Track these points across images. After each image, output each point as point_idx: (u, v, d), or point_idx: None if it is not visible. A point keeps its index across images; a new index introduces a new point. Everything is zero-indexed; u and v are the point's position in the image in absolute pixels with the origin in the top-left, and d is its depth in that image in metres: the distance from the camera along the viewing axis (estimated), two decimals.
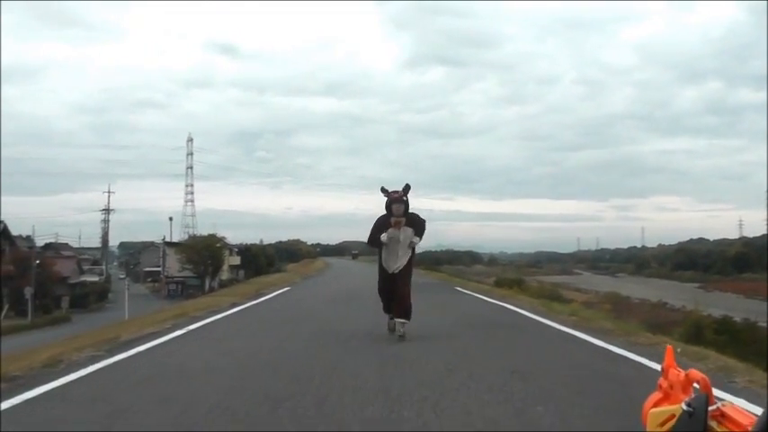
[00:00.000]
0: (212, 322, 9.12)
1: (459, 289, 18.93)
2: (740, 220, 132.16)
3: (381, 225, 7.39)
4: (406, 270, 7.48)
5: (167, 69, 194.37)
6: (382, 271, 7.56)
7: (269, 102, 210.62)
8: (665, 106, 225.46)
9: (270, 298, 14.28)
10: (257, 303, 12.67)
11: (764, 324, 33.35)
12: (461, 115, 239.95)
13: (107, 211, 68.29)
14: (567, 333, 7.84)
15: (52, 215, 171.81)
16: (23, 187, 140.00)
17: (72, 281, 49.40)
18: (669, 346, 1.91)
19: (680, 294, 57.18)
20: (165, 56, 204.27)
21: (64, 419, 3.84)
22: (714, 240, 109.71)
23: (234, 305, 11.84)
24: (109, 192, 69.51)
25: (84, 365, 5.64)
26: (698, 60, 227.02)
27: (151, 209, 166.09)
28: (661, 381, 1.89)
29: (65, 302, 43.87)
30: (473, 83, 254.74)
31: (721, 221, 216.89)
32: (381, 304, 7.82)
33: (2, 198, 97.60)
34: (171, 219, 71.14)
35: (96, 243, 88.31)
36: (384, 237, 7.30)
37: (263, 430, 3.58)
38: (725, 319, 30.58)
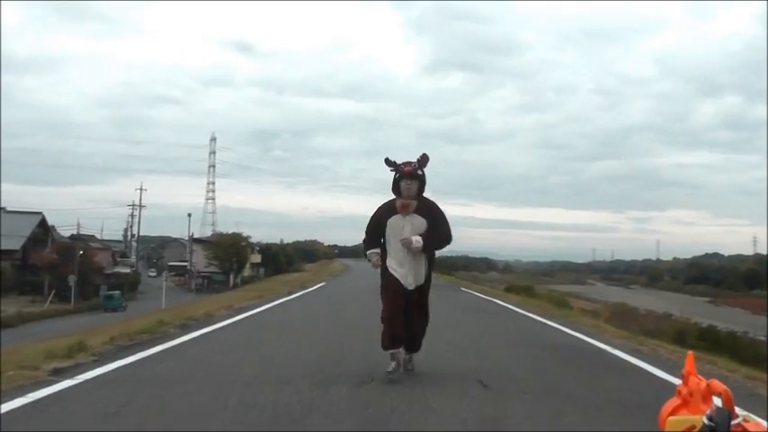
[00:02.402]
0: (286, 301, 13.39)
1: (463, 289, 23.23)
2: (755, 237, 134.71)
3: (383, 216, 5.10)
4: (423, 288, 5.14)
5: (186, 66, 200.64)
6: (389, 285, 5.07)
7: (287, 102, 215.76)
8: (683, 119, 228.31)
9: (314, 289, 18.64)
10: (308, 292, 17.01)
11: (749, 336, 36.95)
12: (479, 122, 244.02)
13: (139, 206, 72.80)
14: (527, 315, 12.02)
15: (73, 206, 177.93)
16: (40, 177, 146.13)
17: (107, 271, 54.10)
18: (690, 353, 2.12)
19: (687, 308, 60.24)
20: (184, 53, 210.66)
21: (257, 333, 7.93)
22: (729, 256, 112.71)
23: (290, 293, 16.06)
24: (141, 189, 74.11)
25: (227, 318, 9.76)
26: (717, 74, 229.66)
27: (168, 204, 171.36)
28: (681, 387, 2.03)
29: (103, 291, 48.44)
30: (492, 90, 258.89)
31: (737, 237, 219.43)
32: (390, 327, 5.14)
33: (19, 187, 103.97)
34: (190, 215, 75.85)
35: (117, 236, 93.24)
36: (372, 257, 5.17)
37: (348, 341, 7.62)
38: (709, 328, 34.30)
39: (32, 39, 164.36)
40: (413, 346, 5.25)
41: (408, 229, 4.98)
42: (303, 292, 17.24)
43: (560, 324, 10.30)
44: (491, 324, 10.30)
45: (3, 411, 3.88)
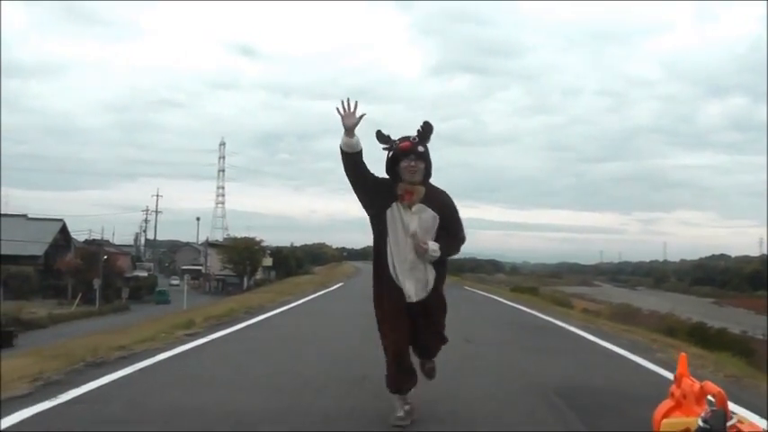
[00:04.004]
0: (316, 296, 16.37)
1: (466, 288, 26.25)
2: (761, 238, 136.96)
3: (382, 191, 3.84)
4: (436, 301, 4.00)
5: (192, 70, 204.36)
6: (387, 297, 3.92)
7: (293, 105, 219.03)
8: (690, 121, 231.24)
9: (336, 288, 21.61)
10: (331, 290, 19.99)
11: (748, 334, 39.66)
12: (485, 124, 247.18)
13: (155, 212, 76.03)
14: (511, 305, 14.92)
15: (80, 211, 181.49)
16: (46, 183, 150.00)
17: (127, 275, 57.28)
18: (683, 355, 2.21)
19: (691, 308, 62.85)
20: (190, 56, 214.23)
21: (308, 316, 10.84)
22: (735, 257, 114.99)
23: (315, 291, 19.01)
24: (157, 195, 77.48)
25: (277, 308, 12.68)
26: (723, 76, 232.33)
27: (174, 208, 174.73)
28: (673, 389, 2.08)
29: (125, 294, 51.64)
30: (498, 92, 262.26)
31: (745, 238, 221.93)
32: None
33: (28, 193, 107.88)
34: (198, 219, 79.36)
35: (125, 240, 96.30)
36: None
37: None
38: (699, 324, 37.12)
39: (38, 43, 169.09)
40: (425, 351, 4.15)
41: (415, 224, 3.76)
42: (326, 290, 20.24)
43: (538, 312, 13.19)
44: (482, 310, 13.22)
45: (186, 349, 6.79)
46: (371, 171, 3.88)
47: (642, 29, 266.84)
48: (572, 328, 10.14)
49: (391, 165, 3.83)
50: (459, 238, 4.01)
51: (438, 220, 3.84)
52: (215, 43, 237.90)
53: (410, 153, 3.76)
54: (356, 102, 3.72)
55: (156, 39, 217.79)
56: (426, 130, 3.83)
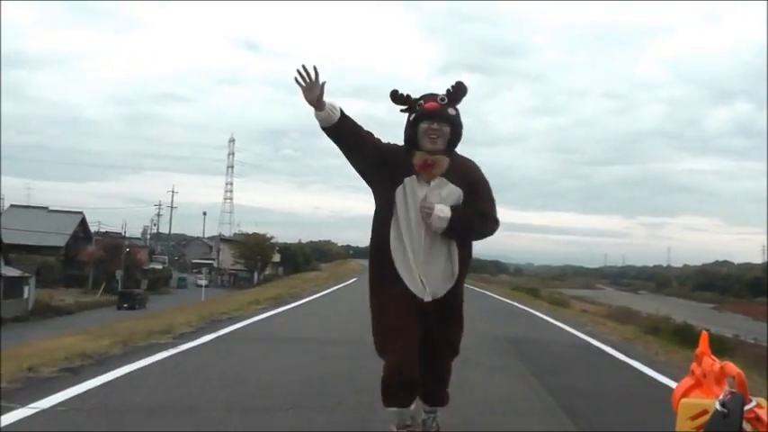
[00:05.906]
0: (338, 288, 20.04)
1: (465, 285, 30.02)
2: (763, 245, 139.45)
3: (397, 161, 3.12)
4: (453, 300, 3.31)
5: (198, 65, 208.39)
6: (393, 295, 3.15)
7: (298, 101, 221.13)
8: (695, 125, 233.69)
9: (351, 282, 25.43)
10: (348, 284, 23.72)
11: (740, 338, 43.06)
12: (491, 124, 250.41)
13: (170, 207, 79.61)
14: (500, 299, 18.58)
15: (87, 203, 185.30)
16: (51, 174, 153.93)
17: (144, 267, 61.15)
18: (704, 333, 2.07)
19: (690, 313, 65.86)
20: (195, 51, 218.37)
21: (339, 300, 14.54)
22: (738, 264, 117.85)
23: (336, 284, 22.72)
24: (173, 191, 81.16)
25: (310, 295, 16.34)
26: (728, 81, 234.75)
27: (180, 202, 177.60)
28: (694, 367, 2.03)
29: (144, 285, 55.50)
30: (503, 92, 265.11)
31: (748, 245, 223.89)
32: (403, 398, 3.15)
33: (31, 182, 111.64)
34: (205, 213, 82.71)
35: (135, 233, 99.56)
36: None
37: None
38: (684, 325, 40.69)
39: (45, 35, 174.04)
40: (435, 396, 3.34)
41: (435, 201, 3.04)
42: (344, 284, 23.96)
43: (517, 302, 16.83)
44: (472, 301, 16.83)
45: (268, 315, 10.47)
46: (375, 137, 3.18)
47: (648, 31, 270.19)
48: (537, 313, 13.80)
49: (411, 128, 3.12)
50: (485, 214, 3.16)
51: (462, 197, 3.09)
52: (221, 38, 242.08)
53: (437, 116, 3.06)
54: (314, 67, 3.08)
55: (163, 33, 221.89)
56: (459, 90, 3.12)
